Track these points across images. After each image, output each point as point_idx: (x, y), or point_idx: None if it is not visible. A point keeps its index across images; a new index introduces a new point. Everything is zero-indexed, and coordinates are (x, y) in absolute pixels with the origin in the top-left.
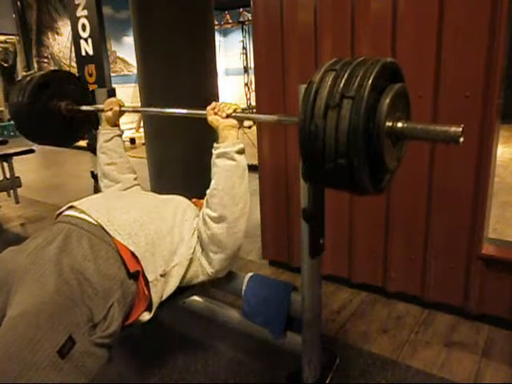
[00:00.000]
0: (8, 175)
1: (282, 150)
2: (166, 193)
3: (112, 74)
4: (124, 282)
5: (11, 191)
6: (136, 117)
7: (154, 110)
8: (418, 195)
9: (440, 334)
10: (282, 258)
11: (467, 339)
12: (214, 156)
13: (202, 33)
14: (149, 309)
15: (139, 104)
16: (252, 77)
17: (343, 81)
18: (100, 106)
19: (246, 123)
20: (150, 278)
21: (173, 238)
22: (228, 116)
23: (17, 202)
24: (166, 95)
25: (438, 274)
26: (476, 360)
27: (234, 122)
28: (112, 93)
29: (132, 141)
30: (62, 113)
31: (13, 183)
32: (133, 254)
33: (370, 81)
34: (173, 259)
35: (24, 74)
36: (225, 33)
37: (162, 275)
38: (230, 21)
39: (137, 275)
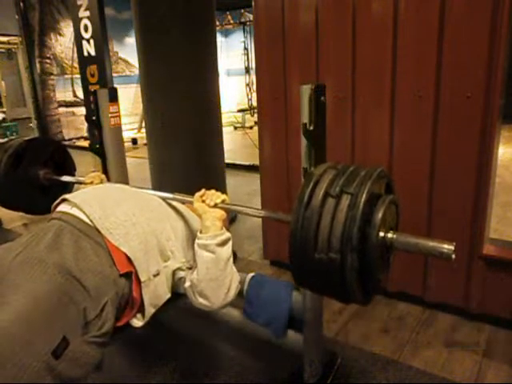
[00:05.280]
0: None
1: (283, 150)
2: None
3: (114, 75)
4: (117, 282)
5: None
6: (138, 117)
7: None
8: (419, 195)
9: (441, 334)
10: (283, 258)
11: (468, 339)
12: (196, 246)
13: (204, 33)
14: (141, 312)
15: (141, 104)
16: (253, 77)
17: (343, 178)
18: (81, 179)
19: (247, 123)
20: (142, 278)
21: (165, 238)
22: (215, 205)
23: None
24: (167, 95)
25: (439, 274)
26: (477, 360)
27: (221, 212)
28: (113, 92)
29: (134, 141)
30: (40, 182)
31: None
32: (125, 254)
33: (370, 182)
34: (167, 259)
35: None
36: (226, 33)
37: (154, 275)
38: (232, 21)
39: (129, 275)
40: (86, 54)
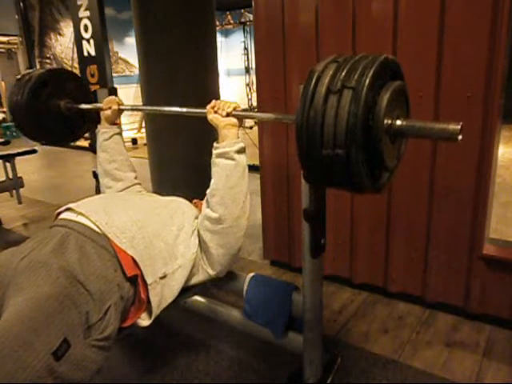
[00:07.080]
0: (11, 175)
1: (284, 150)
2: (167, 193)
3: (114, 75)
4: (121, 285)
5: (14, 191)
6: (138, 118)
7: (153, 108)
8: (420, 195)
9: (441, 334)
10: (283, 259)
11: (468, 339)
12: (213, 155)
13: (204, 33)
14: (148, 312)
15: (141, 104)
16: (253, 77)
17: (344, 71)
18: (99, 105)
19: (247, 123)
20: (148, 280)
21: (172, 239)
22: (228, 114)
23: (19, 202)
24: (167, 96)
25: (439, 273)
26: (477, 360)
27: (234, 120)
28: (113, 91)
29: (134, 141)
30: (61, 111)
31: (15, 183)
32: (132, 257)
33: (371, 73)
34: (174, 261)
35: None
36: (226, 33)
37: (161, 277)
38: (232, 21)
39: (135, 278)
40: (86, 53)
